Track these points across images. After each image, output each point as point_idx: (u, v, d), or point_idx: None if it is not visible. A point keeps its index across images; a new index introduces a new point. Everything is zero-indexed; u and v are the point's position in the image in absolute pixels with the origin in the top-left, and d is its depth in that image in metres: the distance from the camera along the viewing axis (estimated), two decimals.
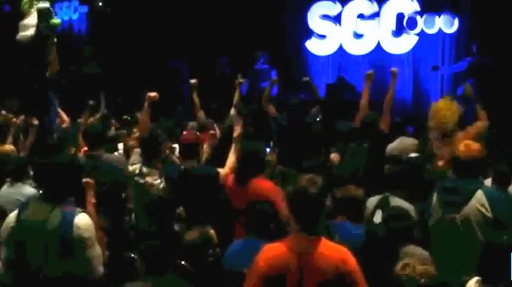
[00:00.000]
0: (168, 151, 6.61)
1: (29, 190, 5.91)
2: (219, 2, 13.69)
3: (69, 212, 3.85)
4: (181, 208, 5.55)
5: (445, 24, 12.75)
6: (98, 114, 9.44)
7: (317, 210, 3.56)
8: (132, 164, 5.96)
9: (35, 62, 8.15)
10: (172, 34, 13.79)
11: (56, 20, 8.02)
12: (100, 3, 14.94)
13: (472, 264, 3.77)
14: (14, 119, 8.10)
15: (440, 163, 5.92)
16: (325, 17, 13.70)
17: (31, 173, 6.25)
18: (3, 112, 8.78)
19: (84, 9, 15.76)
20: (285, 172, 6.19)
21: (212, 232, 4.41)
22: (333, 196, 5.05)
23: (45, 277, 3.77)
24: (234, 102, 8.24)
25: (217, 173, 5.56)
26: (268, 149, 7.02)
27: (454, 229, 4.53)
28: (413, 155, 6.83)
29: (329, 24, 13.71)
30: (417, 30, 12.91)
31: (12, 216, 3.97)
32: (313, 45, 13.96)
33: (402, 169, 5.78)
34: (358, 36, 13.51)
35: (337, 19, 13.66)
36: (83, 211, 3.93)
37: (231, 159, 5.60)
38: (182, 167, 5.78)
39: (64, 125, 8.49)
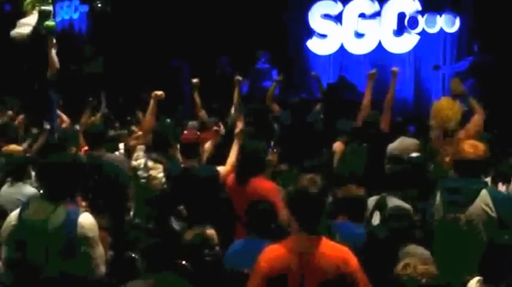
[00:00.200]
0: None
1: (29, 189, 5.91)
2: (220, 1, 13.68)
3: (73, 211, 3.85)
4: (182, 206, 5.55)
5: (447, 23, 12.73)
6: (99, 114, 9.43)
7: (318, 210, 3.56)
8: (136, 159, 5.99)
9: (35, 61, 8.15)
10: (173, 34, 13.78)
11: (50, 23, 8.00)
12: (99, 4, 14.92)
13: (474, 264, 3.76)
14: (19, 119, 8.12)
15: (447, 159, 5.86)
16: (326, 16, 13.69)
17: (32, 173, 6.25)
18: (10, 112, 8.78)
19: (85, 8, 15.74)
20: (287, 171, 6.18)
21: (211, 231, 4.42)
22: (334, 195, 5.04)
23: (46, 276, 3.77)
24: (235, 100, 8.24)
25: (218, 173, 5.56)
26: (269, 149, 7.03)
27: (457, 229, 4.51)
28: (414, 154, 6.83)
29: (330, 23, 13.69)
30: (418, 29, 12.89)
31: (14, 215, 3.97)
32: (314, 45, 13.95)
33: (403, 168, 5.78)
34: (359, 35, 13.49)
35: (338, 18, 13.64)
36: (86, 211, 3.92)
37: (232, 157, 5.60)
38: (182, 166, 5.77)
39: (64, 125, 8.48)
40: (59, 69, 8.13)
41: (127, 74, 13.87)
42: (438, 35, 12.90)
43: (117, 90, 13.24)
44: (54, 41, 8.02)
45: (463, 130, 6.19)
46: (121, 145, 7.82)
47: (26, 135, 7.83)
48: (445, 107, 6.21)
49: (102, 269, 3.90)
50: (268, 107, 8.52)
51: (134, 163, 5.92)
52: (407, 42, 13.08)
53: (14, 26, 8.39)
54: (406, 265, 3.48)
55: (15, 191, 5.89)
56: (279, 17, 13.74)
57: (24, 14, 8.32)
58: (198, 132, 6.47)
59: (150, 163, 5.80)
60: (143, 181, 5.78)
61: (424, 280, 3.39)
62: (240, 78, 8.53)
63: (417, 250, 4.36)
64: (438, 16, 12.75)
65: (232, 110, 8.16)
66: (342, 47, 13.73)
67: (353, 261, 3.52)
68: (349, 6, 13.55)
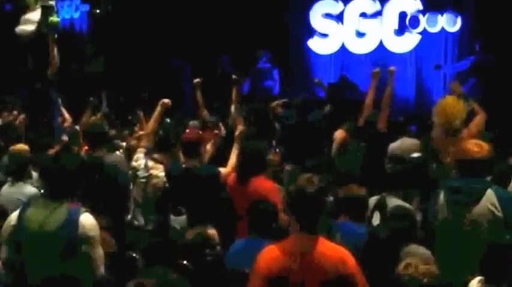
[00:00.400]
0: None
1: (30, 189, 5.88)
2: (221, 1, 13.67)
3: (74, 210, 3.83)
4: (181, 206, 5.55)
5: (448, 23, 12.72)
6: (100, 114, 9.43)
7: (316, 209, 3.54)
8: (137, 160, 5.97)
9: (37, 60, 8.15)
10: (173, 33, 13.78)
11: (54, 18, 8.00)
12: (98, 10, 14.91)
13: (477, 264, 3.75)
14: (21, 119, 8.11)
15: (449, 159, 5.84)
16: (328, 15, 13.68)
17: (33, 172, 6.24)
18: (15, 112, 8.77)
19: (86, 7, 15.74)
20: (292, 171, 6.19)
21: (212, 231, 4.41)
22: (336, 195, 5.03)
23: (46, 277, 3.75)
24: (233, 100, 8.23)
25: (219, 172, 5.55)
26: (271, 149, 7.03)
27: (461, 228, 4.49)
28: (415, 154, 6.81)
29: (331, 23, 13.69)
30: (420, 29, 12.88)
31: (14, 215, 3.95)
32: (315, 44, 13.94)
33: (404, 168, 5.77)
34: (360, 35, 13.48)
35: (339, 18, 13.64)
36: (87, 211, 3.91)
37: (233, 159, 5.59)
38: (184, 165, 5.77)
39: (66, 124, 8.48)
40: (59, 68, 8.13)
41: (128, 74, 13.88)
42: (439, 35, 12.89)
43: (118, 90, 13.26)
44: (56, 35, 8.02)
45: (466, 129, 6.17)
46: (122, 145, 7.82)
47: (26, 135, 7.80)
48: (451, 105, 6.16)
49: (102, 270, 3.89)
50: (271, 108, 8.52)
51: (134, 163, 5.90)
52: (408, 42, 13.07)
53: (14, 25, 8.38)
54: (408, 264, 3.46)
55: (16, 191, 5.87)
56: (280, 17, 13.74)
57: (27, 9, 8.30)
58: (200, 132, 6.46)
59: (151, 163, 5.80)
60: (143, 180, 5.77)
61: (425, 280, 3.37)
62: (236, 77, 8.51)
63: (418, 249, 4.34)
64: (439, 15, 12.74)
65: (232, 109, 8.15)
66: (343, 47, 13.72)
67: (351, 262, 3.50)
68: (350, 5, 13.54)
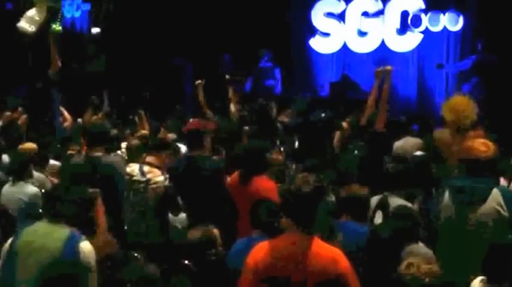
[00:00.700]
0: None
1: (31, 189, 5.89)
2: (222, 0, 13.66)
3: (73, 235, 3.79)
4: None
5: (450, 22, 12.71)
6: (101, 113, 9.42)
7: (310, 209, 3.52)
8: (130, 166, 5.84)
9: (38, 59, 8.15)
10: (175, 32, 13.77)
11: (57, 27, 8.02)
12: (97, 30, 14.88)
13: (481, 264, 3.74)
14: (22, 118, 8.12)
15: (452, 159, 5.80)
16: (329, 14, 13.68)
17: (34, 172, 6.23)
18: (20, 109, 8.76)
19: (87, 7, 15.72)
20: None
21: (215, 231, 4.38)
22: (337, 195, 5.01)
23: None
24: (232, 99, 8.21)
25: (223, 167, 5.52)
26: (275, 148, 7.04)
27: (466, 228, 4.46)
28: (418, 153, 6.80)
29: (333, 22, 13.68)
30: (422, 28, 12.87)
31: (14, 235, 3.92)
32: (317, 43, 13.94)
33: (406, 167, 5.75)
34: (362, 34, 13.48)
35: (341, 17, 13.63)
36: (85, 239, 3.84)
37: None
38: (188, 155, 5.72)
39: (66, 124, 8.47)
40: (60, 68, 8.12)
41: (129, 73, 13.87)
42: (442, 34, 12.89)
43: (120, 89, 13.24)
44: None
45: (473, 131, 6.12)
46: (123, 145, 7.79)
47: (27, 134, 7.81)
48: (463, 104, 6.09)
49: None
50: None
51: (128, 169, 5.74)
52: (410, 41, 13.06)
53: (15, 24, 8.38)
54: (410, 264, 3.46)
55: (17, 191, 5.87)
56: (282, 16, 13.73)
57: (32, 5, 8.30)
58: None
59: (146, 168, 5.65)
60: (142, 185, 5.61)
61: (427, 280, 3.37)
62: (229, 77, 8.49)
63: (421, 249, 4.33)
64: (442, 15, 12.73)
65: (232, 108, 8.13)
66: (345, 46, 13.72)
67: (344, 263, 3.47)
68: (352, 4, 13.54)
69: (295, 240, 3.48)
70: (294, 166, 6.71)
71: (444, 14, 12.72)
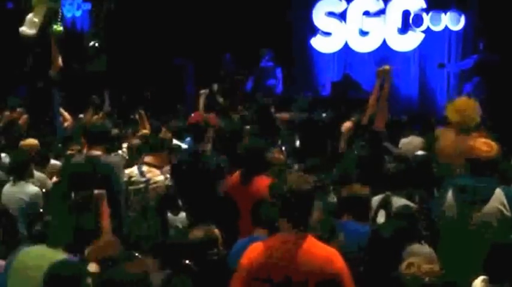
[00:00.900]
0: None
1: (32, 188, 5.88)
2: None
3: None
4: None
5: (452, 21, 12.69)
6: (102, 113, 9.41)
7: (302, 208, 3.50)
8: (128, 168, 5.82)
9: (39, 59, 8.15)
10: (176, 32, 13.76)
11: (58, 28, 8.01)
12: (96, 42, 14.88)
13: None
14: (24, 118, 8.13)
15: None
16: (331, 14, 13.66)
17: (34, 171, 6.23)
18: (22, 112, 8.77)
19: (87, 6, 15.72)
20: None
21: (217, 231, 4.37)
22: (339, 194, 5.00)
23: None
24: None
25: (225, 163, 5.51)
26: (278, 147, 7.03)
27: (469, 228, 4.45)
28: (419, 153, 6.79)
29: (334, 21, 13.66)
30: (423, 27, 12.85)
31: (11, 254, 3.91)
32: (318, 43, 13.92)
33: (408, 167, 5.73)
34: (363, 33, 13.46)
35: (342, 16, 13.61)
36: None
37: None
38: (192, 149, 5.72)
39: (66, 124, 8.47)
40: (62, 68, 8.12)
41: (130, 73, 13.87)
42: (443, 33, 12.86)
43: (121, 89, 13.24)
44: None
45: (476, 132, 6.10)
46: (125, 144, 7.78)
47: (28, 133, 7.80)
48: (469, 106, 6.07)
49: None
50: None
51: (127, 171, 5.70)
52: (412, 40, 13.04)
53: (16, 24, 8.38)
54: (410, 264, 3.45)
55: (17, 190, 5.86)
56: (283, 15, 13.72)
57: (32, 8, 8.30)
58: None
59: (145, 168, 5.63)
60: (142, 185, 5.59)
61: (427, 279, 3.35)
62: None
63: (422, 249, 4.32)
64: (443, 14, 12.71)
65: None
66: (346, 45, 13.70)
67: (339, 263, 3.44)
68: (353, 4, 13.52)
69: (289, 239, 3.46)
70: (296, 166, 6.69)
71: (446, 14, 12.70)
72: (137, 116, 8.19)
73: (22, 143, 6.92)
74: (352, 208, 4.78)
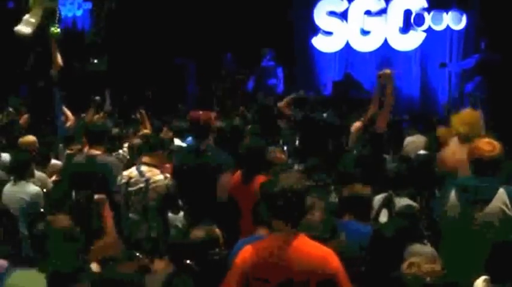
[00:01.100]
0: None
1: (33, 188, 5.87)
2: None
3: None
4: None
5: (453, 20, 12.68)
6: (103, 112, 9.42)
7: (294, 208, 3.48)
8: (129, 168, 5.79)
9: (40, 59, 8.14)
10: (178, 31, 13.77)
11: (55, 30, 8.00)
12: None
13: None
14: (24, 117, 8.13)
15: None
16: (332, 13, 13.65)
17: (35, 171, 6.22)
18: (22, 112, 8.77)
19: (88, 5, 15.74)
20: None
21: (218, 230, 4.36)
22: (340, 194, 4.99)
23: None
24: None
25: (232, 162, 5.49)
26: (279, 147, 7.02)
27: (472, 228, 4.44)
28: (421, 152, 6.78)
29: (336, 20, 13.66)
30: (425, 26, 12.85)
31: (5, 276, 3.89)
32: (319, 42, 13.91)
33: (410, 166, 5.73)
34: (365, 33, 13.45)
35: (343, 16, 13.61)
36: None
37: None
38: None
39: (69, 123, 8.46)
40: (63, 68, 8.12)
41: (131, 72, 13.87)
42: (445, 33, 12.86)
43: (122, 88, 13.25)
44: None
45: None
46: (126, 144, 7.78)
47: (29, 133, 7.80)
48: (475, 118, 6.05)
49: None
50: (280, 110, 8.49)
51: (126, 172, 5.65)
52: (413, 40, 13.03)
53: (17, 24, 8.37)
54: (411, 263, 3.45)
55: (18, 190, 5.86)
56: (284, 15, 13.72)
57: (29, 9, 8.30)
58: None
59: (144, 168, 5.61)
60: (141, 185, 5.51)
61: (428, 279, 3.34)
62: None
63: (423, 248, 4.31)
64: (445, 13, 12.70)
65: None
66: (347, 45, 13.70)
67: (335, 263, 3.42)
68: (354, 3, 13.51)
69: (282, 239, 3.45)
70: (297, 166, 6.68)
71: (447, 13, 12.69)
72: (138, 116, 8.18)
73: (21, 140, 6.95)
74: (354, 208, 4.77)
